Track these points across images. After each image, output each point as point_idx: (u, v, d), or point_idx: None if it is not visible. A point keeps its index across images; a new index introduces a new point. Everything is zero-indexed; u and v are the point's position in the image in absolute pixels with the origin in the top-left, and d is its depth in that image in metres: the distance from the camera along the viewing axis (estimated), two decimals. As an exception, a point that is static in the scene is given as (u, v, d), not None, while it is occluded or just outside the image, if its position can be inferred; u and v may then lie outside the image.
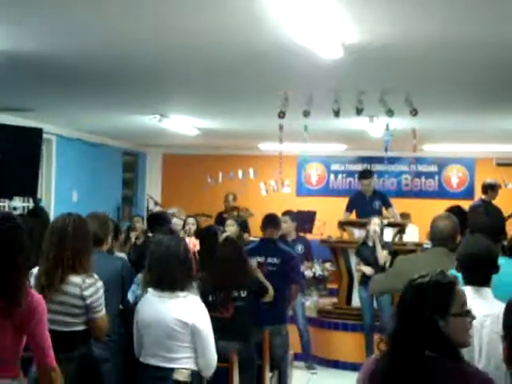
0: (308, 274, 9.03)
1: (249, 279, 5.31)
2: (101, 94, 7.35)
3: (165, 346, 3.92)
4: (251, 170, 12.54)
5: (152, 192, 13.45)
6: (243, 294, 5.20)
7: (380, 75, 5.86)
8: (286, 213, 8.19)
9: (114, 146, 12.54)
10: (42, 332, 3.10)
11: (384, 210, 9.25)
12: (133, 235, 7.97)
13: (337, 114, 6.73)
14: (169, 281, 3.93)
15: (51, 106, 8.46)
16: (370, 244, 7.93)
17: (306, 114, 6.70)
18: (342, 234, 9.33)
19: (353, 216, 9.48)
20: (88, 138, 11.45)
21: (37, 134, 8.10)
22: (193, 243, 5.64)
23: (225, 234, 7.71)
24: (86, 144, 11.43)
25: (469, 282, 3.40)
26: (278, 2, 3.55)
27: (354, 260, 8.70)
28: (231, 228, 8.03)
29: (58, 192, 10.62)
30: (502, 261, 4.02)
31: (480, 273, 3.44)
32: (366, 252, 7.96)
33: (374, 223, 7.91)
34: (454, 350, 2.50)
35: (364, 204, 9.25)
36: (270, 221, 6.65)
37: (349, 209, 9.49)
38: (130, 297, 4.83)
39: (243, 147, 12.96)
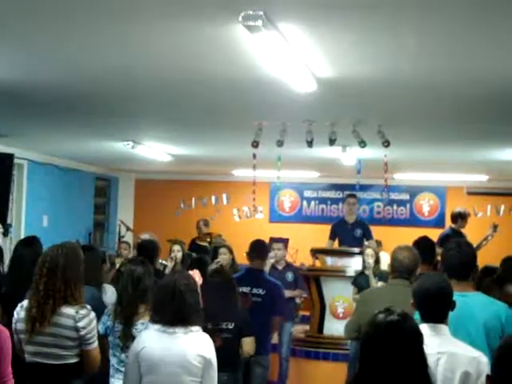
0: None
1: (237, 311, 5.27)
2: (73, 121, 7.32)
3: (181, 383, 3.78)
4: (224, 196, 12.53)
5: (124, 217, 13.35)
6: (230, 326, 5.17)
7: (352, 107, 5.94)
8: (278, 240, 8.18)
9: (85, 170, 12.46)
10: (5, 369, 3.02)
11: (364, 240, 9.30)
12: (118, 262, 7.84)
13: (310, 144, 6.78)
14: (182, 315, 3.78)
15: (23, 132, 8.40)
16: (367, 273, 7.83)
17: (280, 143, 6.75)
18: (315, 261, 9.36)
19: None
20: (60, 163, 11.37)
21: (8, 159, 8.04)
22: (198, 276, 5.57)
23: (218, 263, 7.71)
24: (58, 168, 11.34)
25: (424, 319, 3.40)
26: (253, 36, 3.58)
27: (326, 288, 8.73)
28: (224, 256, 8.02)
29: (29, 217, 10.50)
30: (471, 294, 4.07)
31: (435, 310, 3.42)
32: (362, 281, 7.84)
33: (367, 254, 7.72)
34: None
35: (345, 232, 9.32)
36: (258, 250, 6.55)
37: (332, 236, 9.55)
38: (101, 328, 4.77)
39: (217, 173, 12.97)
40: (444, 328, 3.41)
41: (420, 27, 3.66)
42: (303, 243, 10.47)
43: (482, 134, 7.44)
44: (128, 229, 12.34)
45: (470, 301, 3.99)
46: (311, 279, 8.82)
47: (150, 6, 3.45)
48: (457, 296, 3.77)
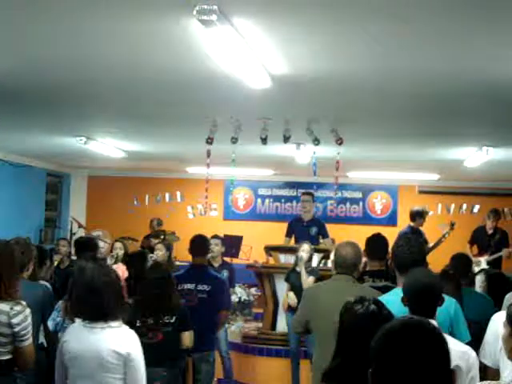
0: (233, 299, 9.03)
1: (177, 305, 5.31)
2: (23, 116, 7.18)
3: (97, 379, 3.74)
4: (178, 194, 12.51)
5: (76, 214, 13.18)
6: (171, 319, 5.18)
7: (307, 105, 5.96)
8: (216, 237, 8.17)
9: (37, 166, 12.26)
10: None
11: (320, 238, 9.36)
12: (56, 259, 7.77)
13: (264, 141, 6.80)
14: (102, 311, 3.76)
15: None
16: (299, 270, 7.92)
17: (234, 140, 6.75)
18: (268, 259, 9.38)
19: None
20: (10, 159, 11.16)
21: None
22: (122, 270, 5.57)
23: (153, 259, 7.68)
24: (8, 164, 11.13)
25: (414, 313, 3.44)
26: (207, 31, 3.56)
27: (279, 285, 8.75)
28: (160, 252, 7.96)
29: (-22, 213, 10.30)
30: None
31: (426, 305, 3.48)
32: (293, 278, 7.95)
33: (303, 249, 7.82)
34: None
35: (301, 229, 9.35)
36: (200, 246, 6.53)
37: (288, 234, 9.57)
38: (51, 325, 4.71)
39: (171, 170, 12.89)
40: (434, 323, 3.48)
41: (373, 26, 3.69)
42: (257, 241, 10.50)
43: (432, 134, 7.56)
44: (80, 226, 12.18)
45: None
46: (264, 276, 8.83)
47: (100, 1, 3.41)
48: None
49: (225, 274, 8.17)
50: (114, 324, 3.78)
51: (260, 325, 9.03)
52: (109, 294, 3.79)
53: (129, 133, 8.39)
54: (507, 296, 5.31)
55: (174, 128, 7.72)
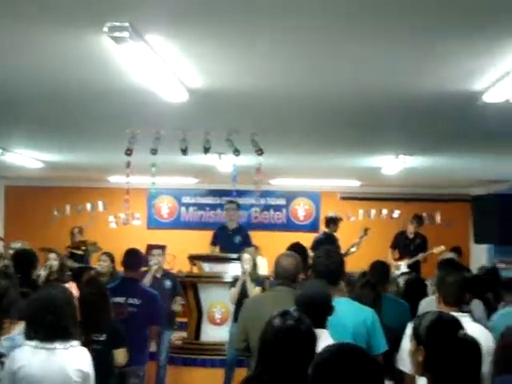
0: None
1: (107, 322, 5.17)
2: None
3: None
4: (100, 203, 12.31)
5: (-7, 225, 12.81)
6: (102, 337, 5.06)
7: (225, 117, 5.99)
8: (157, 247, 8.11)
9: (-49, 177, 11.86)
10: None
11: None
12: None
13: (184, 152, 6.77)
14: (62, 331, 3.65)
15: None
16: (244, 279, 7.77)
17: (154, 152, 6.71)
18: (192, 268, 9.35)
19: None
20: None
21: None
22: (75, 289, 5.38)
23: (97, 270, 7.50)
24: None
25: None
26: (120, 48, 3.54)
27: (203, 294, 8.73)
28: (104, 263, 7.84)
29: None
30: (342, 301, 4.21)
31: (316, 315, 3.54)
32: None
33: (245, 260, 7.63)
34: None
35: (226, 238, 9.36)
36: (131, 260, 6.44)
37: (214, 242, 9.55)
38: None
39: (92, 179, 12.67)
40: (325, 332, 3.59)
41: (285, 40, 3.74)
42: (182, 250, 10.41)
43: (352, 143, 7.71)
44: (-3, 238, 11.83)
45: (338, 306, 4.13)
46: (188, 286, 8.80)
47: (14, 15, 3.34)
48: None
49: (167, 283, 8.10)
50: (74, 343, 3.70)
51: (185, 334, 8.99)
52: (66, 311, 3.71)
53: (48, 144, 8.23)
54: (422, 303, 5.46)
55: (94, 140, 7.63)
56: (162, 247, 10.94)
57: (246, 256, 7.74)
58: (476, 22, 3.36)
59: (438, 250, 10.62)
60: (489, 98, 4.76)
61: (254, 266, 7.77)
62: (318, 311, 3.60)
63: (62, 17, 3.34)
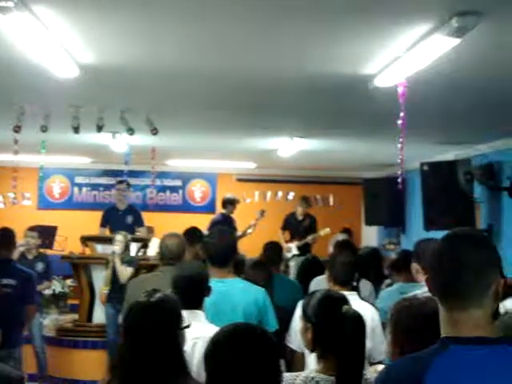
0: (48, 292, 8.75)
1: None
2: None
3: None
4: (-13, 182, 11.78)
5: None
6: None
7: (119, 95, 5.87)
8: (34, 228, 7.89)
9: None
10: None
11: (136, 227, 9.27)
12: None
13: (76, 130, 6.60)
14: None
15: None
16: (114, 260, 7.74)
17: (44, 129, 6.50)
18: (85, 249, 9.16)
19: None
20: None
21: None
22: None
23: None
24: None
25: (184, 305, 3.50)
26: (6, 19, 3.38)
27: (96, 276, 8.58)
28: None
29: None
30: (233, 281, 4.23)
31: (191, 296, 3.55)
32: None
33: (116, 241, 7.66)
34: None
35: (116, 219, 9.19)
36: (5, 239, 6.33)
37: (103, 224, 9.36)
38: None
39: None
40: (200, 314, 3.57)
41: (185, 16, 3.69)
42: (74, 231, 10.17)
43: (247, 124, 7.73)
44: None
45: (229, 287, 4.15)
46: (80, 267, 8.61)
47: None
48: (216, 282, 3.92)
49: (40, 265, 7.90)
50: None
51: (76, 316, 8.81)
52: None
53: None
54: (312, 282, 5.57)
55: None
56: (53, 228, 10.71)
57: (117, 237, 7.72)
58: (363, 8, 3.43)
59: (324, 233, 10.88)
60: (379, 82, 4.90)
61: (126, 247, 7.76)
62: (193, 292, 3.59)
63: None
